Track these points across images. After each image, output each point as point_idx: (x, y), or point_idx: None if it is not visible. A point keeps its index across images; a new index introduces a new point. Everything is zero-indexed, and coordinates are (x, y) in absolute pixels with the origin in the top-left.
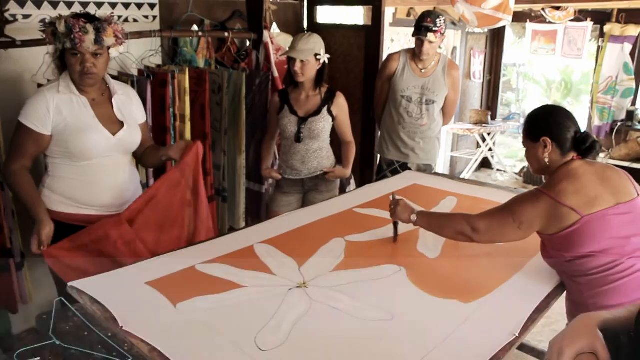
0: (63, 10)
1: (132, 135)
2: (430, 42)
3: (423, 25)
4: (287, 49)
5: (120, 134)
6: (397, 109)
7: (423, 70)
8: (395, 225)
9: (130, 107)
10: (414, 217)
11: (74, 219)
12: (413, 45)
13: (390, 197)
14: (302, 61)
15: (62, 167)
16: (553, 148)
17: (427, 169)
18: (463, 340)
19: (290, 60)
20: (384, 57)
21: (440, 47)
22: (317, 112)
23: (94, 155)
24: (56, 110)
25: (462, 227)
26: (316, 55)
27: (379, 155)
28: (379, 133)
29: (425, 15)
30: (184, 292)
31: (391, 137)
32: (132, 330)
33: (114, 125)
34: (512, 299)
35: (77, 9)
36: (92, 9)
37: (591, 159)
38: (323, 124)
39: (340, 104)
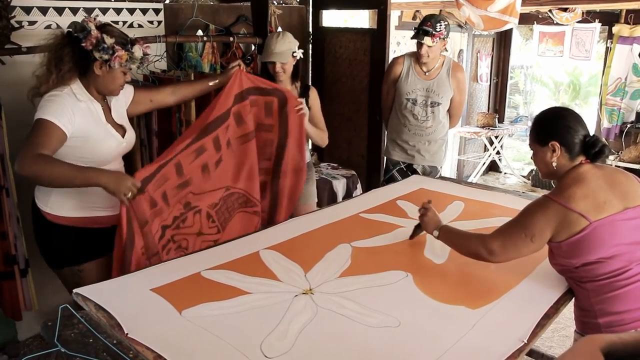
0: (68, 17)
1: (133, 137)
2: (429, 45)
3: (422, 29)
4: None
5: (127, 136)
6: (402, 111)
7: (427, 73)
8: (418, 227)
9: (120, 107)
10: (435, 234)
11: (90, 222)
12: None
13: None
14: (282, 62)
15: None
16: (562, 152)
17: (432, 171)
18: (471, 347)
19: (269, 63)
20: (390, 60)
21: (446, 50)
22: None
23: (110, 160)
24: (76, 117)
25: (478, 249)
26: (293, 53)
27: (385, 157)
28: (386, 135)
29: (427, 18)
30: (189, 299)
31: (397, 139)
32: (137, 337)
33: (119, 128)
34: (520, 304)
35: (81, 15)
36: (97, 15)
37: (600, 162)
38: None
39: (315, 96)
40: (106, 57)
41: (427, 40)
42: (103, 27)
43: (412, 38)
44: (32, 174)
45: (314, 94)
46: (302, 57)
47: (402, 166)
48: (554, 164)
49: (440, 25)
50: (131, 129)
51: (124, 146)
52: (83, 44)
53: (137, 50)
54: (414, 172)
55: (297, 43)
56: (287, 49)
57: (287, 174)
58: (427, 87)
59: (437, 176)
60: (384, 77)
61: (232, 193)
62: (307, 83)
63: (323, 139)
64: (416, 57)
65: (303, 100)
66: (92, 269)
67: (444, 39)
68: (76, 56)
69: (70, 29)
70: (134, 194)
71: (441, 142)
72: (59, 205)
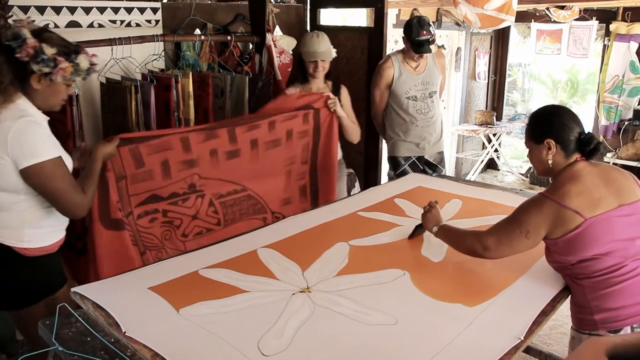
0: (66, 16)
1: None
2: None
3: (423, 40)
4: (291, 51)
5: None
6: (405, 110)
7: (417, 68)
8: (419, 227)
9: None
10: (435, 229)
11: (58, 245)
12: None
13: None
14: (323, 60)
15: (42, 198)
16: (557, 150)
17: (442, 156)
18: (467, 344)
19: (311, 62)
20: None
21: (444, 48)
22: None
23: None
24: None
25: (474, 245)
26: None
27: (390, 155)
28: (389, 138)
29: (417, 27)
30: (186, 297)
31: (406, 138)
32: (134, 335)
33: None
34: (517, 302)
35: (80, 14)
36: (95, 15)
37: (595, 160)
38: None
39: (346, 95)
40: (47, 70)
41: (432, 48)
42: (40, 34)
43: (419, 52)
44: (90, 205)
45: (345, 92)
46: (336, 55)
47: (414, 159)
48: (550, 162)
49: (432, 27)
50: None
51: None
52: (18, 55)
53: (83, 61)
54: (427, 163)
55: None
56: (328, 48)
57: (322, 173)
58: (421, 81)
59: (445, 159)
60: (373, 83)
61: (250, 196)
62: (338, 83)
63: (357, 133)
64: (402, 55)
65: (333, 96)
66: (65, 293)
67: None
68: (13, 67)
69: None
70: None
71: (441, 126)
72: (39, 237)
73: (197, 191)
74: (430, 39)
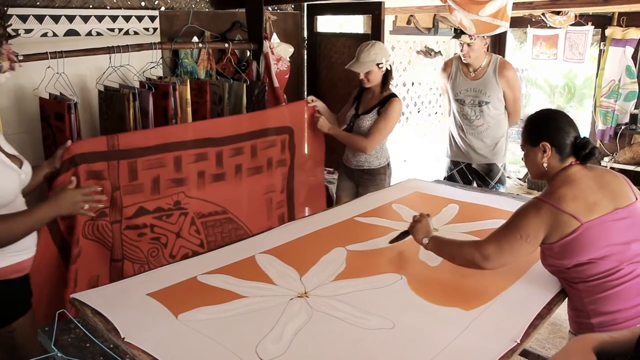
0: (64, 25)
1: (30, 169)
2: (468, 43)
3: (459, 28)
4: (288, 58)
5: (24, 167)
6: (454, 112)
7: (473, 74)
8: (404, 234)
9: (4, 141)
10: (425, 241)
11: (14, 271)
12: (416, 52)
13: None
14: (363, 72)
15: None
16: (552, 153)
17: (492, 169)
18: (464, 348)
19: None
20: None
21: (441, 54)
22: (367, 111)
23: (13, 196)
24: None
25: (473, 255)
26: (378, 64)
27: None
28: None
29: None
30: (185, 303)
31: (453, 138)
32: (133, 341)
33: (13, 158)
34: (513, 305)
35: (78, 22)
36: (93, 23)
37: (591, 164)
38: (369, 123)
39: (387, 107)
40: None
41: (464, 37)
42: None
43: (452, 38)
44: (7, 243)
45: (391, 104)
46: (389, 68)
47: (462, 166)
48: (545, 165)
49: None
50: (26, 161)
51: (23, 178)
52: None
53: None
54: (474, 171)
55: (384, 54)
56: (370, 60)
57: (301, 202)
58: (474, 87)
59: (499, 173)
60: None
61: (230, 219)
62: (393, 94)
63: (356, 144)
64: (461, 59)
65: (318, 104)
66: (25, 323)
67: (483, 37)
68: None
69: None
70: (92, 200)
71: (497, 140)
72: None
73: (181, 208)
74: (468, 34)
